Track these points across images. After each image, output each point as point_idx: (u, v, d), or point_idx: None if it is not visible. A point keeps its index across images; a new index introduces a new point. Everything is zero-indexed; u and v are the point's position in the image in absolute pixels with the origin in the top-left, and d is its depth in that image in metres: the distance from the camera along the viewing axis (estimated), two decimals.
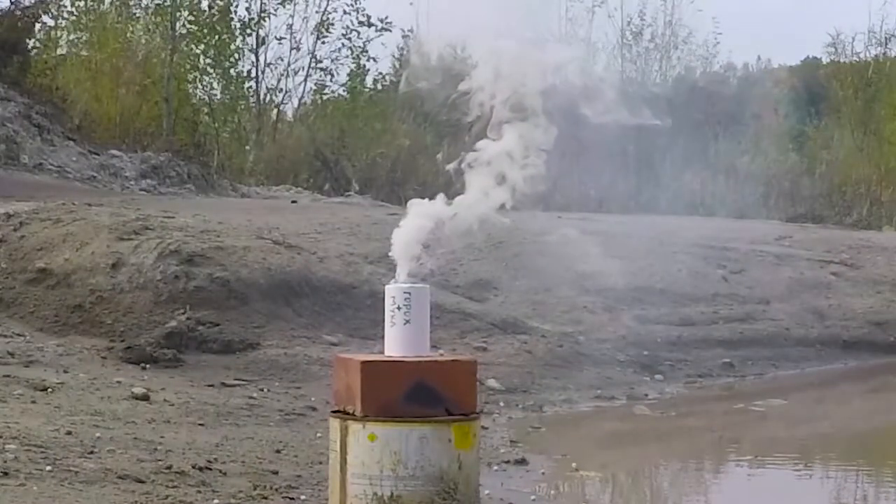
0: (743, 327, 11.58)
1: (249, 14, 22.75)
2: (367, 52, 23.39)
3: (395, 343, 4.72)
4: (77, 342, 8.69)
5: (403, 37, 24.19)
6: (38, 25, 20.27)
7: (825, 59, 28.49)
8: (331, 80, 23.53)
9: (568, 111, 5.08)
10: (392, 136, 22.23)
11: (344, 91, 23.79)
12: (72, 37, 21.77)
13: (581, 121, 5.25)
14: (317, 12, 23.01)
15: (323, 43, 23.13)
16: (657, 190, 20.64)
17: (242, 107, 23.11)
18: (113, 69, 20.12)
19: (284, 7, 22.89)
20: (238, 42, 22.81)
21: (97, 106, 19.39)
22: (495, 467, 6.59)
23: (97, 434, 6.17)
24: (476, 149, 4.96)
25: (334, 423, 4.68)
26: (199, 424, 6.90)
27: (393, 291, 4.74)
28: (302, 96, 23.48)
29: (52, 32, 21.43)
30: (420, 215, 4.94)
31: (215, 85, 22.90)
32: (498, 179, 4.93)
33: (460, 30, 5.06)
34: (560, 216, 12.96)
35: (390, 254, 4.94)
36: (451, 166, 5.03)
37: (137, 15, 22.31)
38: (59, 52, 21.29)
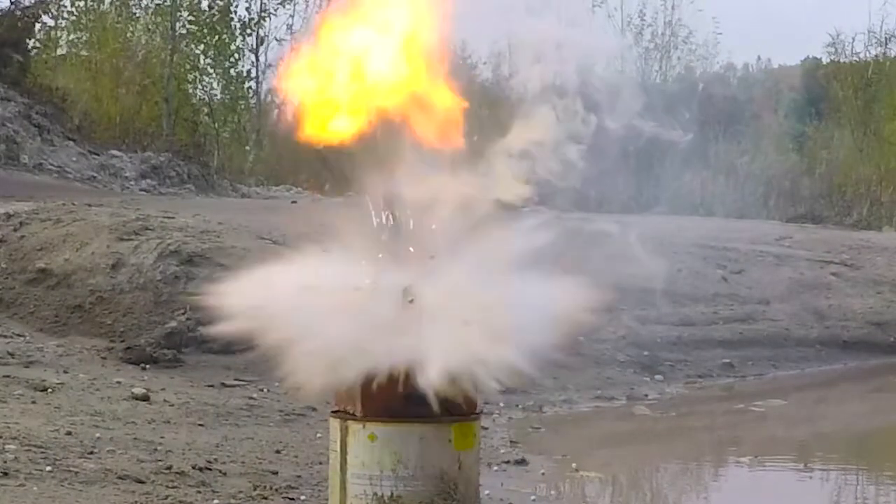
0: (743, 327, 11.56)
1: (249, 14, 22.80)
2: None
3: None
4: (77, 342, 8.69)
5: None
6: (38, 25, 20.26)
7: (825, 59, 28.46)
8: None
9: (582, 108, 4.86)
10: None
11: None
12: (72, 37, 21.79)
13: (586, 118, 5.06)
14: (317, 12, 23.06)
15: None
16: (657, 190, 20.60)
17: (242, 107, 23.11)
18: (113, 69, 20.12)
19: (284, 7, 22.95)
20: (238, 42, 22.83)
21: (97, 106, 19.38)
22: (495, 467, 6.59)
23: (97, 434, 6.17)
24: (505, 134, 4.65)
25: (334, 423, 4.67)
26: (199, 425, 6.89)
27: None
28: None
29: (52, 32, 21.44)
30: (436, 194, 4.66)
31: (215, 85, 22.94)
32: (525, 169, 4.65)
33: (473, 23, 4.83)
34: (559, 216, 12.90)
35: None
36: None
37: (137, 15, 22.32)
38: (59, 52, 21.30)
